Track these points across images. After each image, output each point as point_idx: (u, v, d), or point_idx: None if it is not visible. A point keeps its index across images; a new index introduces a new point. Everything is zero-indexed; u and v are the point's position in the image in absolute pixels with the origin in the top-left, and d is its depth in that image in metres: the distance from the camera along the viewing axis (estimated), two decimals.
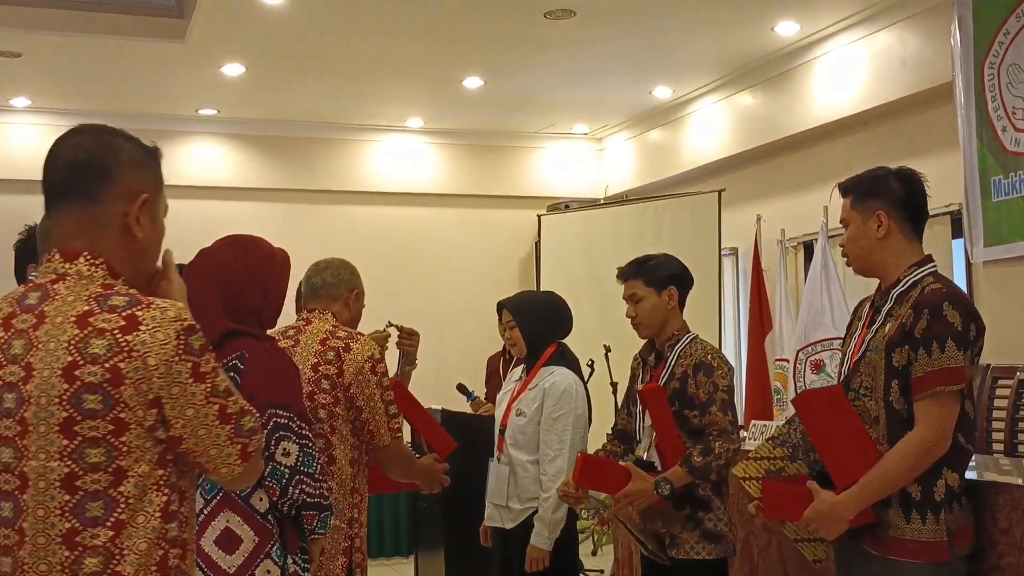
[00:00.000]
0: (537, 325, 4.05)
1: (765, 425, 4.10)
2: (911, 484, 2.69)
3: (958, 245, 5.99)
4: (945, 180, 5.90)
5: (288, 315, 3.36)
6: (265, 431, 2.56)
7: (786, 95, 7.29)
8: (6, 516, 1.75)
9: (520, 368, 4.18)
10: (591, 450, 3.89)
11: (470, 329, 8.21)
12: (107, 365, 1.71)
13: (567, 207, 8.96)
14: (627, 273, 3.67)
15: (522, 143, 9.51)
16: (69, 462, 1.71)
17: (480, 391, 6.31)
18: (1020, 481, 3.02)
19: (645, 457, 3.57)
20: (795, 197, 7.35)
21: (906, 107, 6.41)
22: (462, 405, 6.11)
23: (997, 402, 4.73)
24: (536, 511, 3.90)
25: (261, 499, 2.64)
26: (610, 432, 3.86)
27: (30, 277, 2.87)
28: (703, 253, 7.09)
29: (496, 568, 4.15)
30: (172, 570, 1.77)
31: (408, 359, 4.04)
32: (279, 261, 2.90)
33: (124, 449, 1.72)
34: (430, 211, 9.33)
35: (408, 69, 7.38)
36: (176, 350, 1.74)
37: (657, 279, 3.59)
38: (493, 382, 6.43)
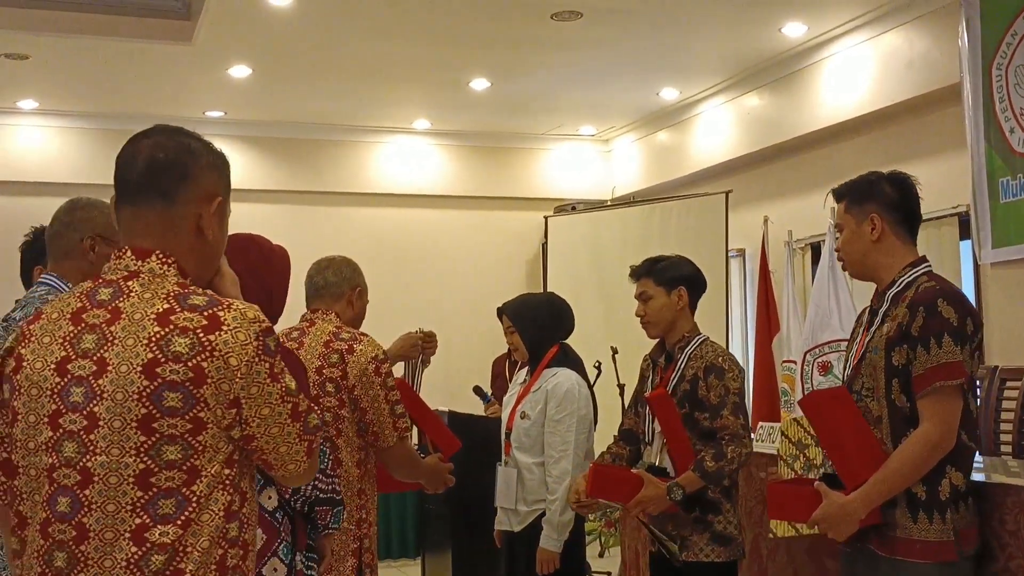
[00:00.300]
0: (537, 329, 4.06)
1: (772, 427, 4.09)
2: (916, 484, 2.70)
3: (966, 246, 5.98)
4: (953, 181, 5.90)
5: (296, 312, 3.36)
6: None
7: (793, 96, 7.28)
8: (62, 511, 1.73)
9: (524, 371, 4.18)
10: (597, 451, 3.89)
11: (477, 331, 8.21)
12: (190, 364, 1.71)
13: (574, 209, 8.95)
14: (639, 272, 3.71)
15: (529, 145, 9.50)
16: (145, 458, 1.70)
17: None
18: None
19: (657, 463, 3.57)
20: (802, 198, 7.33)
21: (913, 108, 6.40)
22: (470, 407, 6.10)
23: (1005, 403, 4.71)
24: (543, 513, 3.90)
25: (270, 497, 2.64)
26: (616, 434, 3.86)
27: (41, 278, 2.87)
28: (710, 254, 7.07)
29: (502, 570, 4.15)
30: (230, 570, 1.76)
31: (425, 361, 4.07)
32: (278, 258, 2.89)
33: (199, 448, 1.72)
34: (437, 213, 9.33)
35: (414, 71, 7.38)
36: (256, 351, 1.76)
37: (667, 279, 3.62)
38: (499, 384, 6.44)
